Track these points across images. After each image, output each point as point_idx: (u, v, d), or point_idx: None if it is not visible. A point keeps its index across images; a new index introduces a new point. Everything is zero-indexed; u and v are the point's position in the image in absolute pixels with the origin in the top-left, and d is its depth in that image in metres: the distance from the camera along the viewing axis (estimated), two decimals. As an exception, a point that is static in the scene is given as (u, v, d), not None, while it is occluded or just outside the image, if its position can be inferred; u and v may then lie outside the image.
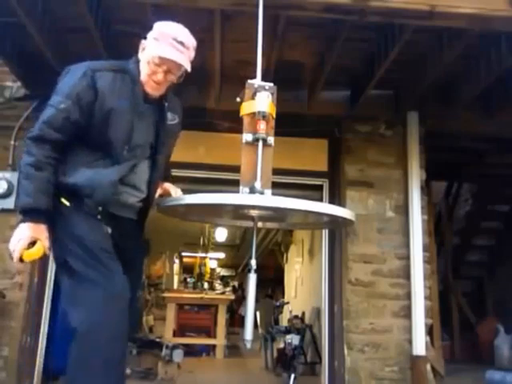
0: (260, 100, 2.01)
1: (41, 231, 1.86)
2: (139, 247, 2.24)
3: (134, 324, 2.21)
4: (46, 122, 1.97)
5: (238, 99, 2.08)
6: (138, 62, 2.08)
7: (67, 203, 1.94)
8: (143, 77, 2.04)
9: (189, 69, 2.05)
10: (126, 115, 1.99)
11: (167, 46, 1.98)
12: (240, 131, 2.03)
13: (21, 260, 1.85)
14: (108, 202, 1.98)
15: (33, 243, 1.85)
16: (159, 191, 2.21)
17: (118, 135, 1.97)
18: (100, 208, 1.96)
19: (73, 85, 1.98)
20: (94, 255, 1.87)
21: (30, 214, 1.85)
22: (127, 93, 2.01)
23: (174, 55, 1.98)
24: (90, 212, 1.94)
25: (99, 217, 1.96)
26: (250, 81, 2.08)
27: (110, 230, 2.01)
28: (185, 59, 2.01)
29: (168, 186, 2.24)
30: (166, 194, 2.20)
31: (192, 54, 2.07)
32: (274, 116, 2.05)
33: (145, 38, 2.08)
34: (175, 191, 2.19)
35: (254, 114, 2.00)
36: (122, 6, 3.16)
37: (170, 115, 2.17)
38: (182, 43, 2.00)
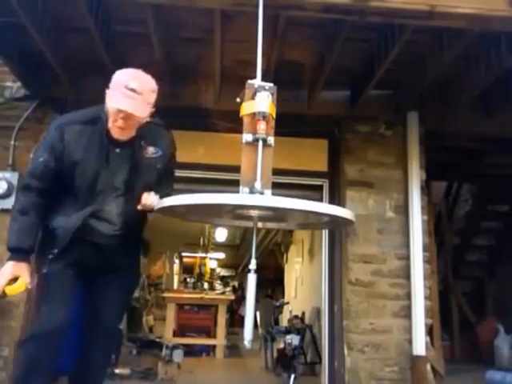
0: (260, 100, 2.00)
1: (23, 269, 2.10)
2: (124, 267, 2.36)
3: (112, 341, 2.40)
4: (30, 173, 2.23)
5: (238, 99, 2.08)
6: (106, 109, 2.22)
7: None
8: (110, 124, 2.19)
9: (143, 115, 2.14)
10: (91, 165, 2.17)
11: (119, 95, 2.09)
12: (240, 131, 2.03)
13: (4, 295, 2.09)
14: (67, 244, 2.17)
15: (15, 279, 2.08)
16: (139, 207, 2.29)
17: (83, 183, 2.18)
18: (56, 250, 2.17)
19: (49, 139, 2.22)
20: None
21: (14, 252, 2.11)
22: (95, 143, 2.18)
23: (124, 104, 2.07)
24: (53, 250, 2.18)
25: (53, 255, 2.17)
26: (249, 81, 2.08)
27: (71, 272, 2.21)
28: (137, 105, 2.09)
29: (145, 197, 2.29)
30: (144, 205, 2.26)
31: (150, 97, 2.16)
32: (274, 116, 2.05)
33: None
34: (145, 197, 2.24)
35: (254, 114, 1.99)
36: (122, 6, 3.16)
37: (150, 149, 2.28)
38: (133, 90, 2.08)
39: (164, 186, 2.37)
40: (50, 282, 2.19)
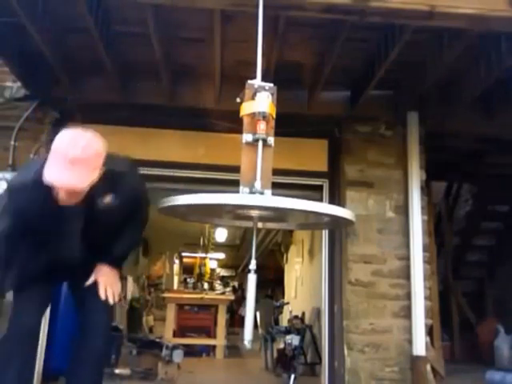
0: (260, 100, 2.00)
1: None
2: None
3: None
4: None
5: (238, 100, 2.07)
6: None
7: None
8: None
9: (86, 184, 1.97)
10: (44, 222, 2.14)
11: (57, 169, 1.91)
12: (240, 131, 2.03)
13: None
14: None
15: None
16: (93, 276, 2.34)
17: (33, 239, 2.21)
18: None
19: (1, 201, 2.22)
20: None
21: None
22: (41, 202, 2.08)
23: (62, 180, 1.92)
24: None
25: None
26: (249, 81, 2.08)
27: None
28: (79, 177, 1.93)
29: (102, 277, 2.35)
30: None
31: (95, 162, 1.99)
32: (274, 116, 2.05)
33: None
34: (102, 288, 2.31)
35: (253, 114, 1.99)
36: (122, 6, 3.16)
37: (107, 198, 2.17)
38: (74, 161, 1.90)
39: (128, 233, 2.40)
40: (18, 295, 2.31)
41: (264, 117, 1.97)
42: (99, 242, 2.32)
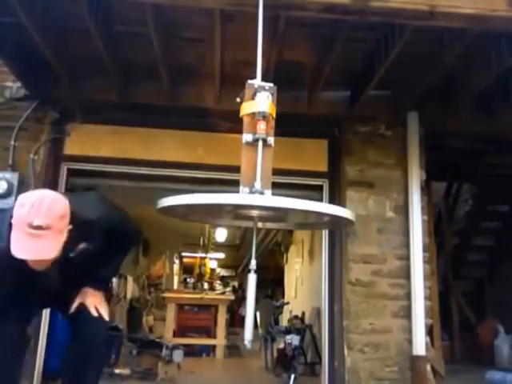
0: (260, 100, 2.00)
1: None
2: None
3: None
4: None
5: (238, 99, 2.07)
6: None
7: None
8: None
9: (56, 252, 1.89)
10: (14, 285, 2.05)
11: (22, 242, 1.83)
12: (240, 131, 2.03)
13: None
14: None
15: None
16: (78, 300, 2.27)
17: (5, 303, 2.10)
18: None
19: None
20: None
21: None
22: (15, 267, 1.94)
23: (29, 254, 1.84)
24: None
25: None
26: (249, 81, 2.08)
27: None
28: (47, 245, 1.85)
29: (88, 299, 2.28)
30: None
31: (60, 225, 1.90)
32: (274, 116, 2.05)
33: None
34: (93, 308, 2.25)
35: (253, 114, 1.99)
36: (122, 5, 3.16)
37: (81, 246, 2.12)
38: (39, 228, 1.82)
39: (113, 260, 2.40)
40: None
41: (264, 117, 1.97)
42: (80, 279, 2.27)
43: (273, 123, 2.04)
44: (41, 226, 1.82)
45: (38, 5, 3.07)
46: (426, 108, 4.15)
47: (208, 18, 3.11)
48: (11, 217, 1.88)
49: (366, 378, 3.81)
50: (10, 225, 1.87)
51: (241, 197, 1.87)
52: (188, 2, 2.89)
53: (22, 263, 1.90)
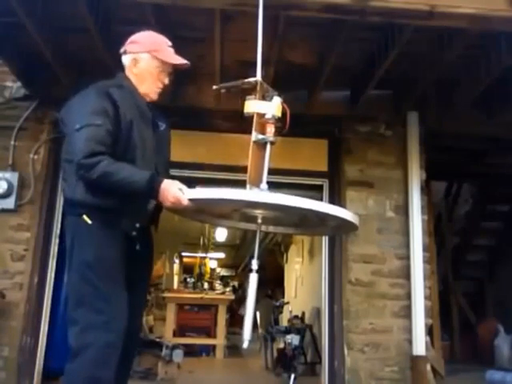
0: (275, 105, 2.02)
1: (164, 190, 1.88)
2: (149, 257, 2.39)
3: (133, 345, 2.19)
4: (89, 140, 1.90)
5: (215, 87, 2.21)
6: (126, 77, 2.20)
7: (90, 221, 1.96)
8: (145, 88, 2.19)
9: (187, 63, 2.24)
10: (141, 125, 2.09)
11: (170, 53, 2.20)
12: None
13: None
14: (144, 216, 2.08)
15: None
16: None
17: (138, 144, 2.04)
18: (138, 224, 2.06)
19: (94, 104, 1.99)
20: (107, 283, 1.95)
21: (152, 182, 1.89)
22: (133, 105, 2.11)
23: (180, 59, 2.21)
24: (124, 230, 2.02)
25: (134, 233, 2.05)
26: (259, 79, 2.09)
27: (138, 247, 2.11)
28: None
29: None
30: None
31: None
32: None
33: (124, 52, 2.22)
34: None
35: (264, 114, 2.00)
36: (122, 6, 3.16)
37: (159, 122, 2.25)
38: (171, 46, 2.22)
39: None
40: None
41: (274, 121, 2.01)
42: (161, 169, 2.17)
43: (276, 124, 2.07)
44: (171, 44, 2.23)
45: (38, 5, 3.08)
46: (426, 108, 4.16)
47: (208, 17, 3.11)
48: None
49: (365, 377, 3.81)
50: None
51: (252, 193, 1.86)
52: (188, 2, 2.90)
53: (139, 101, 2.14)
